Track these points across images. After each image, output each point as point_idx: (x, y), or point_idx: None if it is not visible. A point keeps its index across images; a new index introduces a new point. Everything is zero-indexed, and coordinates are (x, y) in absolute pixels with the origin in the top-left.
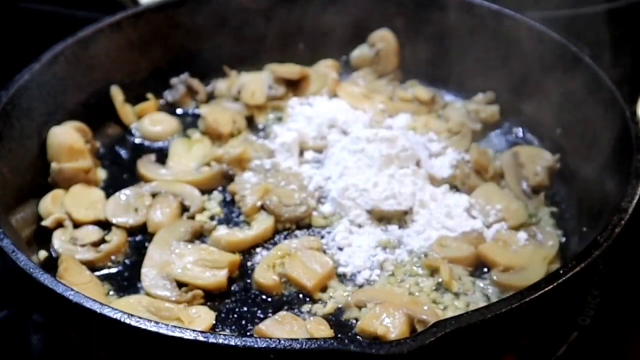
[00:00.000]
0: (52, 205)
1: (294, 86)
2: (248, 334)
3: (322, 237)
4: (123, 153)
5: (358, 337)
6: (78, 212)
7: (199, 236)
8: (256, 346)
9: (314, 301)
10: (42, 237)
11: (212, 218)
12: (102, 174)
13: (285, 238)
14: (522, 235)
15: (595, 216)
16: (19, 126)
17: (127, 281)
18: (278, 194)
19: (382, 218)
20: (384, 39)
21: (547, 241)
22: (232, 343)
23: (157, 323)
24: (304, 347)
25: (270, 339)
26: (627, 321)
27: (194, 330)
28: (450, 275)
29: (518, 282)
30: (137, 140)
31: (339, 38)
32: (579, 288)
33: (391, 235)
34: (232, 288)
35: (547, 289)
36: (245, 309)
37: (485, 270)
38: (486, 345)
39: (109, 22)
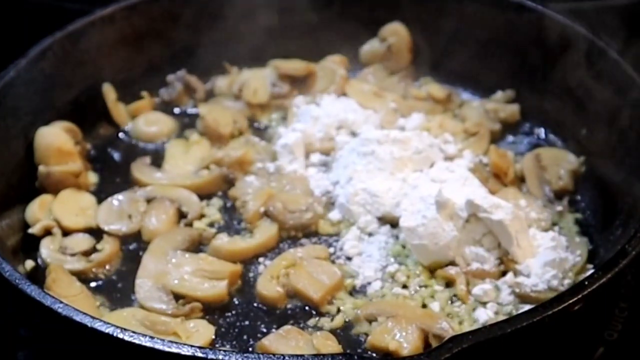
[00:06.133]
0: (39, 211)
1: (299, 83)
2: (250, 349)
3: (330, 246)
4: (115, 155)
5: (368, 353)
6: (67, 218)
7: (197, 244)
8: None
9: (320, 314)
10: (29, 245)
11: (211, 225)
12: (92, 178)
13: (290, 246)
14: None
15: (622, 223)
16: (4, 126)
17: (119, 293)
18: (282, 199)
19: (393, 225)
20: (395, 32)
21: (574, 250)
22: (233, 359)
23: (151, 338)
24: None
25: (274, 354)
26: None
27: (192, 346)
28: (467, 286)
29: (541, 294)
30: (131, 142)
31: (347, 31)
32: (605, 300)
33: (403, 244)
34: (233, 300)
35: (571, 301)
36: (247, 322)
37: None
38: None
39: (101, 15)
